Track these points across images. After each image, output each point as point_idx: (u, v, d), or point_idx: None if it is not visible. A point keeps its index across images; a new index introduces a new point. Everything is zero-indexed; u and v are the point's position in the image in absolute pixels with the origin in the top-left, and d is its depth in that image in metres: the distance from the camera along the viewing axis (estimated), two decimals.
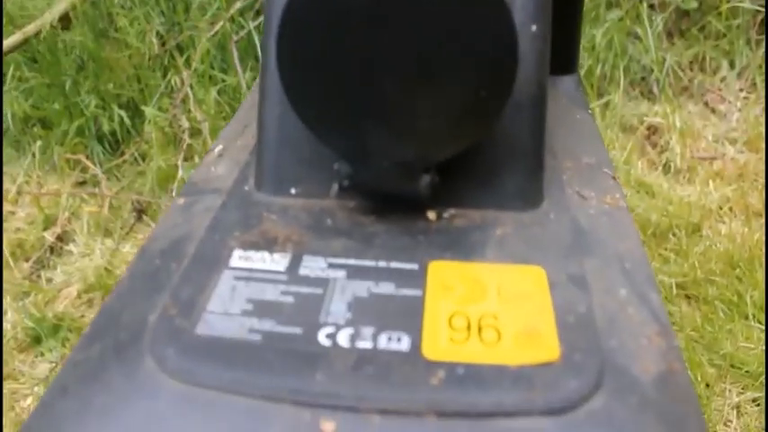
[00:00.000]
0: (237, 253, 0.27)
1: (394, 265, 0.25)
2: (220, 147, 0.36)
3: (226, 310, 0.24)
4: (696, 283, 1.23)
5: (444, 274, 0.25)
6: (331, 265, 0.25)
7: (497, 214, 0.27)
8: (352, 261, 0.25)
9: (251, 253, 0.26)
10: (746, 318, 1.19)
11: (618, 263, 0.25)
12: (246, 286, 0.25)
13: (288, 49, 0.24)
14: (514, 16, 0.27)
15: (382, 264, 0.25)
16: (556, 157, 0.32)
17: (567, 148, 0.33)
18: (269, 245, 0.27)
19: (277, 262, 0.26)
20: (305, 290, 0.24)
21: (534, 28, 0.28)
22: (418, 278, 0.24)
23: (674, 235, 1.31)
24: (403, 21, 0.23)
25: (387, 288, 0.24)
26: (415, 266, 0.25)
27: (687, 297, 1.23)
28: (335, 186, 0.28)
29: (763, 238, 1.32)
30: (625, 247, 0.26)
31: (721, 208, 1.39)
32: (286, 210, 0.29)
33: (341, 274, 0.25)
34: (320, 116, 0.26)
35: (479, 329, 0.22)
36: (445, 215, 0.28)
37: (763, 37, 1.79)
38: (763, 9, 1.78)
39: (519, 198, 0.28)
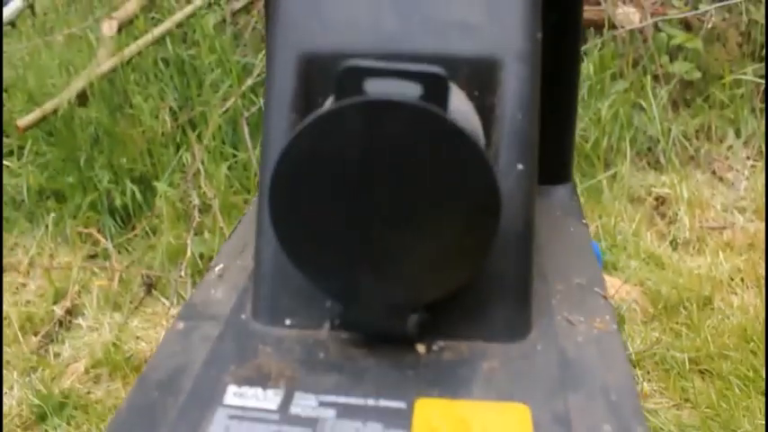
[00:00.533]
0: (232, 389, 0.27)
1: (382, 403, 0.25)
2: (221, 266, 0.37)
3: None
4: (709, 358, 1.21)
5: (430, 414, 0.25)
6: (321, 404, 0.26)
7: (485, 346, 0.28)
8: (342, 399, 0.26)
9: (245, 389, 0.27)
10: (764, 394, 1.16)
11: (604, 396, 0.25)
12: (239, 425, 0.25)
13: (280, 201, 0.25)
14: (501, 156, 0.28)
15: (371, 402, 0.25)
16: (546, 280, 0.32)
17: (559, 267, 0.33)
18: (263, 381, 0.27)
19: (270, 399, 0.26)
20: (295, 430, 0.25)
21: (521, 166, 0.29)
22: (405, 419, 0.25)
23: (684, 308, 1.30)
24: (388, 173, 0.24)
25: (374, 429, 0.24)
26: (402, 405, 0.25)
27: (701, 372, 1.21)
28: (327, 324, 0.29)
29: None
30: (612, 377, 0.26)
31: (732, 279, 1.38)
32: (281, 342, 0.30)
33: (330, 413, 0.25)
34: (311, 261, 0.27)
35: None
36: (434, 347, 0.28)
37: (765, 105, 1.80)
38: (763, 81, 1.81)
39: (506, 330, 0.28)
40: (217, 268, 0.37)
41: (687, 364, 1.20)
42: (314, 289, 0.29)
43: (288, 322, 0.31)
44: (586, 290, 0.32)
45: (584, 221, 0.39)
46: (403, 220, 0.25)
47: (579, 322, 0.29)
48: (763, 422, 1.11)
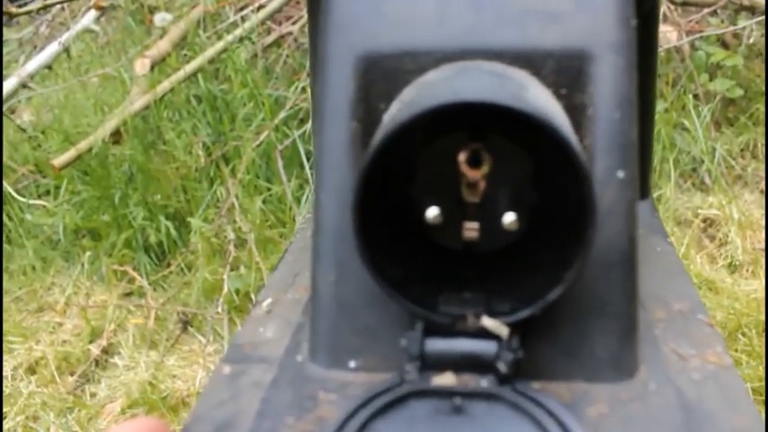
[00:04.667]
0: None
1: None
2: (269, 300, 0.33)
3: None
4: None
5: None
6: None
7: (588, 387, 0.24)
8: None
9: None
10: None
11: None
12: None
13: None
14: (598, 163, 0.25)
15: None
16: (644, 308, 0.28)
17: (654, 292, 0.29)
18: None
19: None
20: None
21: (621, 174, 0.25)
22: None
23: (743, 335, 1.23)
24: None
25: None
26: None
27: (765, 403, 1.14)
28: (408, 367, 0.25)
29: None
30: (741, 421, 0.22)
31: None
32: (345, 387, 0.26)
33: None
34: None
35: None
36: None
37: None
38: None
39: (612, 367, 0.24)
40: (265, 303, 0.33)
41: (751, 394, 1.13)
42: (383, 324, 0.26)
43: (352, 364, 0.27)
44: (689, 317, 0.28)
45: (669, 240, 0.35)
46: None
47: (690, 355, 0.25)
48: None
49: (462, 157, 0.23)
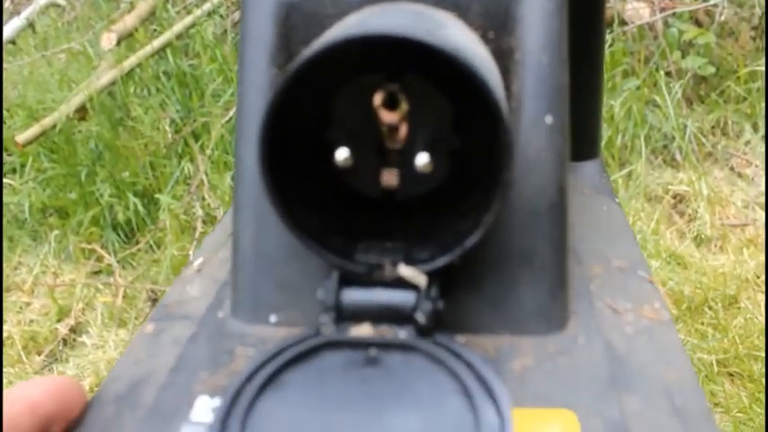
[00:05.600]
0: (202, 401, 0.22)
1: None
2: (200, 260, 0.32)
3: None
4: (738, 360, 1.16)
5: None
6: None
7: (514, 340, 0.23)
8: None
9: (217, 401, 0.22)
10: None
11: (666, 399, 0.21)
12: None
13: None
14: (525, 109, 0.24)
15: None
16: (581, 263, 0.27)
17: (595, 249, 0.29)
18: None
19: None
20: None
21: (550, 120, 0.24)
22: None
23: (710, 308, 1.24)
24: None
25: None
26: None
27: (730, 375, 1.15)
28: (322, 317, 0.24)
29: None
30: (673, 375, 0.22)
31: (758, 277, 1.33)
32: (263, 342, 0.25)
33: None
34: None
35: None
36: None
37: None
38: None
39: (540, 319, 0.23)
40: (196, 262, 0.32)
41: (715, 366, 1.15)
42: (304, 279, 0.25)
43: (273, 319, 0.26)
44: (629, 273, 0.27)
45: (616, 200, 0.34)
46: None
47: (625, 310, 0.25)
48: None
49: (378, 98, 0.22)
